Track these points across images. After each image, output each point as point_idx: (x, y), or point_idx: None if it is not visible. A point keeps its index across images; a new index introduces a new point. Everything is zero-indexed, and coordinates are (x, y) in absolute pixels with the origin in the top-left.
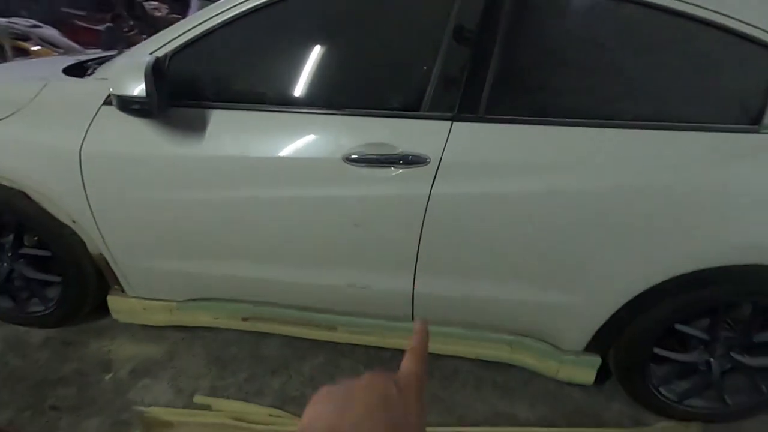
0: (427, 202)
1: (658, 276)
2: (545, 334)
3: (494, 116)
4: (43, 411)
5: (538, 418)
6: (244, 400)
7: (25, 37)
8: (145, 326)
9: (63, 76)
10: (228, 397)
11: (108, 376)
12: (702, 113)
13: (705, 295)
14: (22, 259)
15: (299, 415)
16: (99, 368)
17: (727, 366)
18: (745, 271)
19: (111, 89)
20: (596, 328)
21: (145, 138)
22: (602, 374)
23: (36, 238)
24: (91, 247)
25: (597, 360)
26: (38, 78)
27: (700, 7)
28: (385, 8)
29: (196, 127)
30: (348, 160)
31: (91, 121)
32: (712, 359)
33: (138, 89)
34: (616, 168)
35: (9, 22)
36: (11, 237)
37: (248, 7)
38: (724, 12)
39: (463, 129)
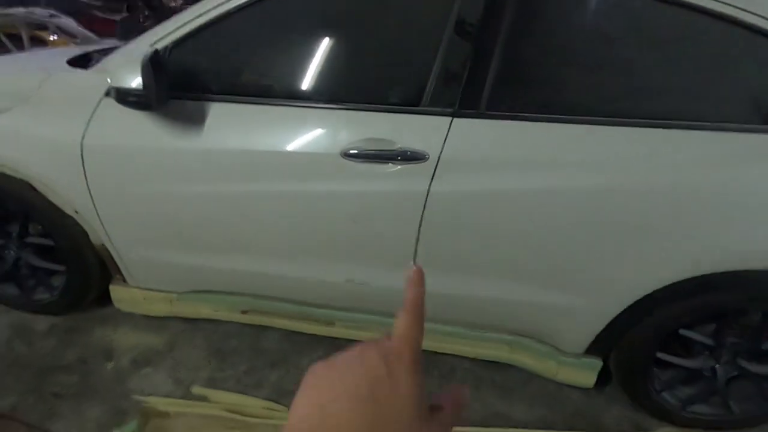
0: (426, 199)
1: (663, 279)
2: (545, 335)
3: (495, 112)
4: (46, 397)
5: (536, 420)
6: (242, 392)
7: (43, 27)
8: (147, 316)
9: (67, 67)
10: (226, 389)
11: (110, 365)
12: (711, 112)
13: (711, 301)
14: (27, 248)
15: None
16: (101, 356)
17: (734, 373)
18: (755, 277)
19: (109, 81)
20: (597, 330)
21: (145, 130)
22: (604, 376)
23: (40, 228)
24: (93, 238)
25: (598, 363)
26: (42, 69)
27: None
28: (387, 1)
29: (196, 120)
30: (346, 155)
31: (93, 113)
32: (717, 365)
33: (136, 81)
34: (620, 167)
35: (27, 11)
36: (17, 226)
37: None
38: (737, 5)
39: (464, 125)
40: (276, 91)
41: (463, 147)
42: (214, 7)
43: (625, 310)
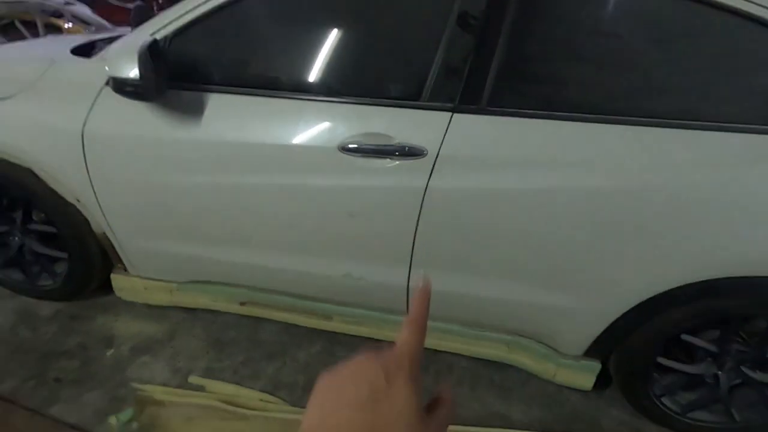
0: (423, 196)
1: (665, 283)
2: (543, 336)
3: (497, 108)
4: (47, 382)
5: (533, 421)
6: (239, 383)
7: (58, 14)
8: (148, 305)
9: (70, 56)
10: (223, 380)
11: (109, 352)
12: (719, 112)
13: (715, 306)
14: (31, 234)
15: (289, 401)
16: (102, 343)
17: (737, 380)
18: (760, 283)
19: (107, 70)
20: (597, 333)
21: (145, 120)
22: (604, 379)
23: (43, 215)
24: (94, 226)
25: (596, 365)
26: (45, 58)
27: None
28: None
29: (195, 111)
30: (344, 149)
31: (94, 102)
32: (720, 372)
33: (133, 71)
34: (623, 167)
35: None
36: (21, 213)
37: None
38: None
39: (464, 121)
40: (274, 83)
41: (462, 143)
42: None
43: (625, 313)
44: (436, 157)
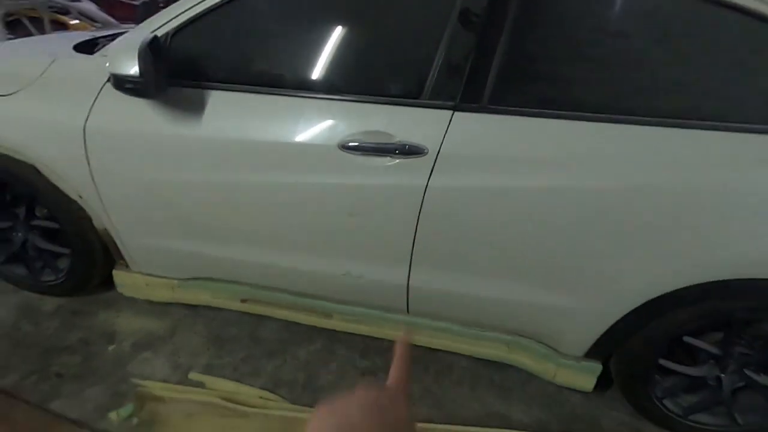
0: (424, 195)
1: (669, 284)
2: (544, 336)
3: (498, 107)
4: (48, 377)
5: (533, 421)
6: (239, 380)
7: (65, 11)
8: (150, 301)
9: (72, 52)
10: (223, 376)
11: (111, 347)
12: (726, 111)
13: (719, 309)
14: (34, 230)
15: (289, 399)
16: (103, 339)
17: (740, 383)
18: (766, 286)
19: (107, 67)
20: (598, 334)
21: (145, 116)
22: (606, 380)
23: (46, 211)
24: (96, 223)
25: (597, 367)
26: (48, 54)
27: None
28: None
29: (195, 108)
30: (343, 147)
31: (95, 98)
32: (723, 375)
33: (134, 68)
34: (627, 167)
35: None
36: (24, 209)
37: None
38: None
39: (465, 119)
40: (274, 80)
41: (463, 142)
42: None
43: (627, 314)
44: (437, 155)
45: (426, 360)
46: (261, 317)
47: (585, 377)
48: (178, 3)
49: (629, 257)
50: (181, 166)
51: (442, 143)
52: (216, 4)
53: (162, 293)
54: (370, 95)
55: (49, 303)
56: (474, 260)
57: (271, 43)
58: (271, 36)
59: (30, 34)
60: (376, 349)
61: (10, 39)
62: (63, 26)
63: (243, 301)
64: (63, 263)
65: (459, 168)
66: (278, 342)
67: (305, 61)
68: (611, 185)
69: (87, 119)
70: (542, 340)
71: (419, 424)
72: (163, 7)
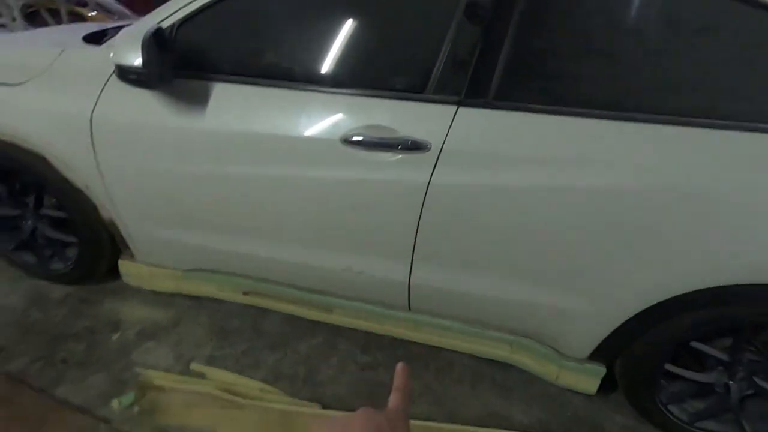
0: (426, 191)
1: (677, 288)
2: (546, 337)
3: (504, 102)
4: (54, 363)
5: (534, 422)
6: (240, 372)
7: (83, 3)
8: (156, 292)
9: (81, 43)
10: (225, 368)
11: (115, 336)
12: (742, 110)
13: (728, 314)
14: (43, 219)
15: (289, 392)
16: (109, 327)
17: (749, 391)
18: None
19: (111, 57)
20: (602, 336)
21: (150, 107)
22: (610, 383)
23: (54, 200)
24: (103, 212)
25: (601, 369)
26: (57, 44)
27: None
28: None
29: (200, 100)
30: (346, 141)
31: (102, 89)
32: (731, 382)
33: (137, 59)
34: (636, 167)
35: None
36: (33, 197)
37: None
38: None
39: (469, 115)
40: (279, 73)
41: (467, 138)
42: None
43: (633, 317)
44: (440, 151)
45: (427, 357)
46: (264, 310)
47: (588, 380)
48: None
49: (635, 259)
50: (185, 158)
51: (445, 139)
52: None
53: (166, 284)
54: (374, 89)
55: (58, 291)
56: (476, 259)
57: (275, 36)
58: (275, 29)
59: (48, 26)
60: (378, 345)
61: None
62: (81, 18)
63: (245, 293)
64: (71, 252)
65: (463, 164)
66: (280, 335)
67: (309, 55)
68: (619, 185)
69: (94, 110)
70: (545, 341)
71: (419, 422)
72: None
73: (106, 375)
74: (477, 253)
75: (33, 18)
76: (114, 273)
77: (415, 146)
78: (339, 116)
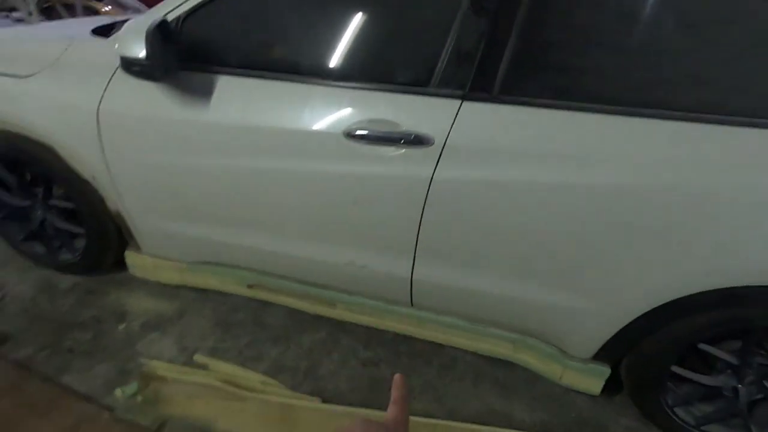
0: (429, 186)
1: (685, 288)
2: (550, 336)
3: (510, 97)
4: (61, 351)
5: (535, 422)
6: (242, 364)
7: None
8: (161, 283)
9: (89, 36)
10: (228, 360)
11: (121, 326)
12: (754, 106)
13: (738, 316)
14: (52, 210)
15: (290, 386)
16: (114, 318)
17: (758, 395)
18: None
19: (116, 48)
20: (607, 337)
21: (156, 100)
22: (615, 384)
23: (62, 191)
24: (109, 204)
25: (605, 370)
26: (66, 37)
27: None
28: None
29: (205, 92)
30: (349, 135)
31: (109, 81)
32: (740, 386)
33: (141, 51)
34: (646, 163)
35: None
36: (42, 188)
37: None
38: None
39: (474, 109)
40: (282, 66)
41: (471, 133)
42: None
43: (639, 317)
44: (443, 146)
45: (430, 354)
46: (267, 304)
47: (592, 380)
48: None
49: (642, 258)
50: (189, 151)
51: (449, 133)
52: None
53: (170, 276)
54: (377, 83)
55: (66, 281)
56: (479, 255)
57: (279, 29)
58: (279, 22)
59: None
60: (380, 341)
61: None
62: (96, 13)
63: (249, 286)
64: (79, 243)
65: (466, 160)
66: (283, 329)
67: (313, 48)
68: (627, 182)
69: (100, 101)
70: (548, 340)
71: (419, 419)
72: None
73: (112, 364)
74: (480, 249)
75: (49, 13)
76: (121, 264)
77: (418, 141)
78: (342, 110)
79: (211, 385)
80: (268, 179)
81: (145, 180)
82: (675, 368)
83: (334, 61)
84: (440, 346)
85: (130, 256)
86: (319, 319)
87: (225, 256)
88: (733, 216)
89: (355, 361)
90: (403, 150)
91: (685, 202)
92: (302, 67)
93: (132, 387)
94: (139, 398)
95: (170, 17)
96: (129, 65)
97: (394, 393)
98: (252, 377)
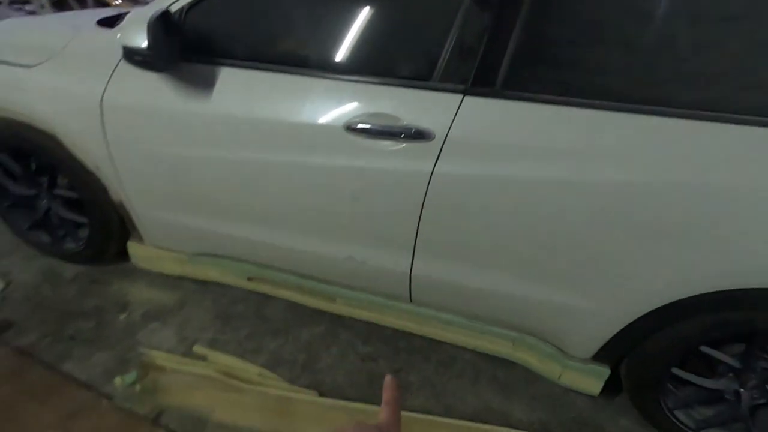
0: (429, 181)
1: (688, 289)
2: (549, 335)
3: (512, 92)
4: (62, 339)
5: (534, 422)
6: (241, 356)
7: None
8: (163, 274)
9: (94, 26)
10: (227, 351)
11: (122, 316)
12: (761, 104)
13: (742, 319)
14: (56, 199)
15: (287, 378)
16: (116, 307)
17: (761, 400)
18: None
19: (119, 38)
20: (607, 337)
21: (159, 91)
22: (616, 385)
23: (66, 181)
24: (112, 194)
25: (605, 371)
26: (71, 28)
27: None
28: None
29: (207, 84)
30: (349, 129)
31: (113, 72)
32: (742, 390)
33: (144, 41)
34: (650, 161)
35: None
36: (47, 178)
37: None
38: None
39: (475, 104)
40: (283, 58)
41: (473, 128)
42: None
43: (639, 318)
44: (444, 141)
45: (428, 350)
46: (268, 297)
47: (591, 380)
48: None
49: (645, 258)
50: (191, 142)
51: (450, 128)
52: None
53: (171, 267)
54: (379, 76)
55: (70, 270)
56: (479, 252)
57: (282, 21)
58: (282, 14)
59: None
60: (379, 336)
61: None
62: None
63: (250, 279)
64: (83, 232)
65: (467, 155)
66: (283, 322)
67: (315, 40)
68: (630, 179)
69: (104, 92)
70: (548, 339)
71: (416, 415)
72: None
73: (112, 353)
74: (480, 246)
75: (61, 5)
76: (124, 254)
77: (418, 135)
78: (343, 103)
79: (210, 376)
80: (267, 171)
81: (147, 170)
82: (676, 371)
83: (336, 54)
84: (439, 342)
85: (133, 247)
86: (318, 313)
87: (225, 247)
88: (739, 216)
89: (354, 356)
90: (404, 144)
91: (690, 200)
92: (304, 60)
93: (131, 376)
94: (138, 387)
95: (174, 8)
96: (131, 55)
97: (386, 394)
98: (250, 369)
